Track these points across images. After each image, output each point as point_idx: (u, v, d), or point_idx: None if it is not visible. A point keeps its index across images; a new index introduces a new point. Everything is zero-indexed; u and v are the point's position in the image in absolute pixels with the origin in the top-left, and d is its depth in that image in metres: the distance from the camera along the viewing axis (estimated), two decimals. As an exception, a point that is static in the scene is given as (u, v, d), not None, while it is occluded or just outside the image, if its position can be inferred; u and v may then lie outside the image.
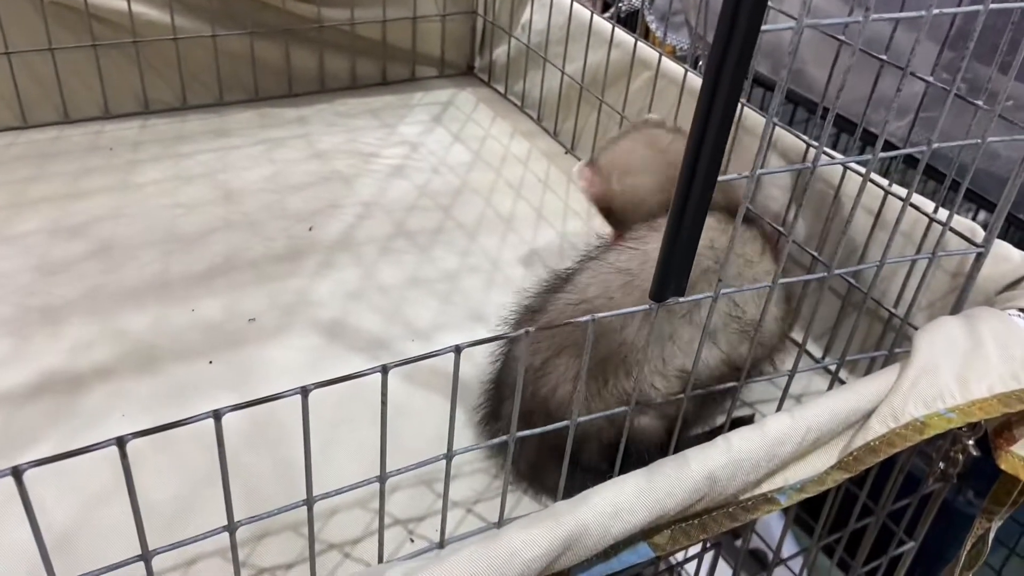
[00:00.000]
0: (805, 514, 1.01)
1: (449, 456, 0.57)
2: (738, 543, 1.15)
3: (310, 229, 1.02)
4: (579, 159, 1.24)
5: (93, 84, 1.19)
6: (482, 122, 1.34)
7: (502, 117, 1.35)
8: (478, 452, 0.72)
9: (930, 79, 0.74)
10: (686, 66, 1.03)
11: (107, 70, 1.19)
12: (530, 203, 1.13)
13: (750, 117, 0.95)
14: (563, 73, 1.24)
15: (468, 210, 1.10)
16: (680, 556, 0.96)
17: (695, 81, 1.02)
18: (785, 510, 0.61)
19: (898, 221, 0.67)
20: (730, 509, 0.56)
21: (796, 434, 0.56)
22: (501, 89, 1.43)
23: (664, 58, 1.07)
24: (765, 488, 0.57)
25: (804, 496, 0.58)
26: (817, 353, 0.87)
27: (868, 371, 0.82)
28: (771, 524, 1.37)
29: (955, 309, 0.75)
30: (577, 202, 1.14)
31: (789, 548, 1.03)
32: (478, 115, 1.36)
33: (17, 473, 0.42)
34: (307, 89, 1.35)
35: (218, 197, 1.07)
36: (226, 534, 0.52)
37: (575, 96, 1.23)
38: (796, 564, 1.06)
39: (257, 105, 1.30)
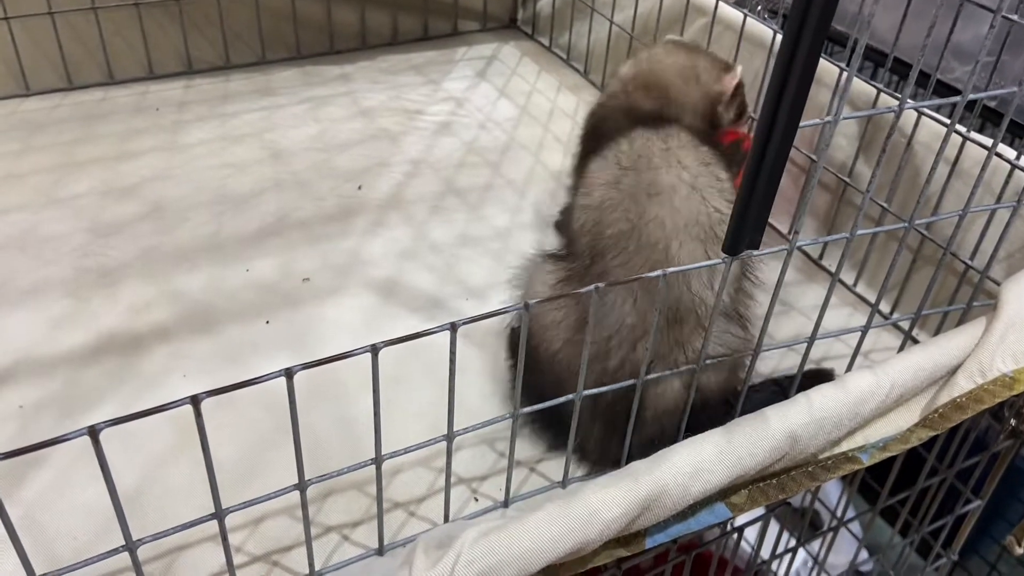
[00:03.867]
0: (865, 475, 0.99)
1: (515, 415, 0.56)
2: (792, 503, 1.14)
3: (359, 188, 1.01)
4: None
5: (137, 44, 1.18)
6: (527, 76, 1.31)
7: (547, 71, 1.32)
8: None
9: (1015, 17, 0.70)
10: (744, 11, 0.99)
11: (150, 30, 1.18)
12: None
13: (813, 64, 0.91)
14: (611, 23, 1.21)
15: (517, 166, 1.08)
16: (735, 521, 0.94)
17: (754, 26, 0.98)
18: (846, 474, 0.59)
19: (983, 169, 0.63)
20: (810, 468, 0.54)
21: (880, 391, 0.54)
22: (546, 42, 1.39)
23: (721, 3, 1.03)
24: (845, 447, 0.55)
25: (887, 455, 0.56)
26: (884, 309, 0.84)
27: (939, 326, 0.79)
28: (826, 486, 1.35)
29: (1037, 261, 0.71)
30: (628, 157, 1.11)
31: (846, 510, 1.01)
32: (523, 69, 1.33)
33: (94, 432, 0.41)
34: (349, 46, 1.33)
35: (266, 157, 1.06)
36: (293, 492, 0.51)
37: (624, 47, 1.19)
38: (853, 526, 1.05)
39: (300, 63, 1.29)
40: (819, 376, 0.65)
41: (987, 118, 1.10)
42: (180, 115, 1.14)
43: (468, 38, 1.41)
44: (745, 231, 0.55)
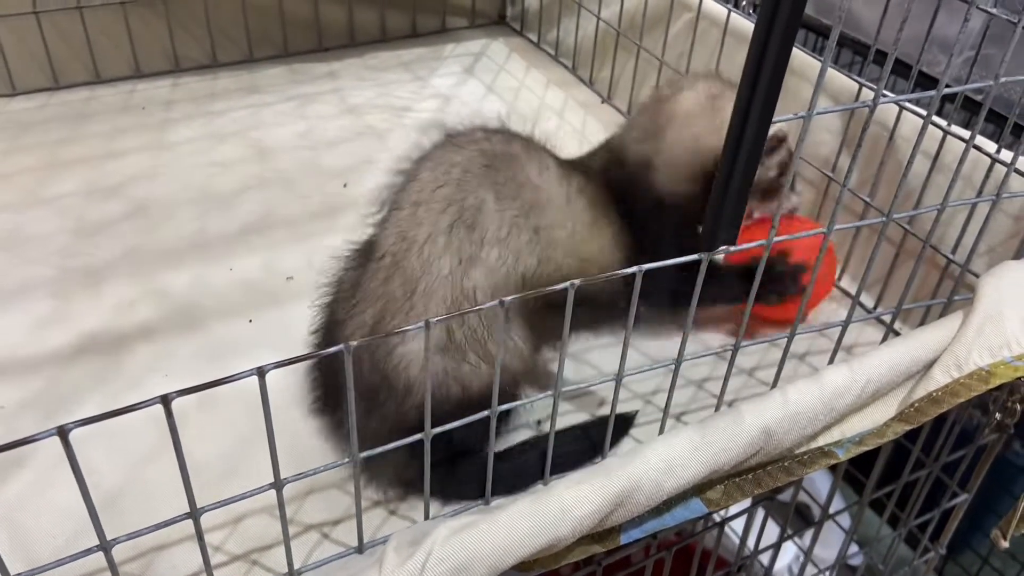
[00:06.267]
0: (853, 468, 0.99)
1: (494, 412, 0.56)
2: (780, 498, 1.14)
3: (345, 186, 1.01)
4: (616, 108, 1.20)
5: (123, 43, 1.18)
6: (515, 73, 1.30)
7: (536, 67, 1.32)
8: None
9: (995, 11, 0.70)
10: (729, 6, 0.99)
11: (136, 28, 1.18)
12: (567, 154, 1.10)
13: (796, 57, 0.91)
14: (598, 19, 1.20)
15: (504, 163, 1.07)
16: (722, 513, 0.94)
17: (738, 22, 0.98)
18: (833, 466, 0.59)
19: (961, 162, 0.63)
20: (785, 463, 0.54)
21: (855, 386, 0.54)
22: (534, 38, 1.39)
23: (705, -1, 1.03)
24: (822, 442, 0.55)
25: (863, 449, 0.56)
26: (868, 303, 0.84)
27: (922, 320, 0.79)
28: (815, 478, 1.35)
29: (1018, 254, 0.71)
30: (615, 152, 1.11)
31: (834, 503, 1.01)
32: (511, 66, 1.33)
33: (63, 432, 0.41)
34: (337, 43, 1.33)
35: (252, 155, 1.06)
36: (273, 491, 0.51)
37: (611, 43, 1.19)
38: (842, 519, 1.05)
39: (287, 61, 1.29)
40: (621, 419, 0.64)
41: (973, 112, 1.10)
42: (167, 114, 1.13)
43: (456, 35, 1.41)
44: (721, 227, 0.55)
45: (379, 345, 0.61)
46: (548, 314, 0.63)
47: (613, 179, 0.72)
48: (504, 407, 0.54)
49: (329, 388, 0.68)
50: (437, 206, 0.63)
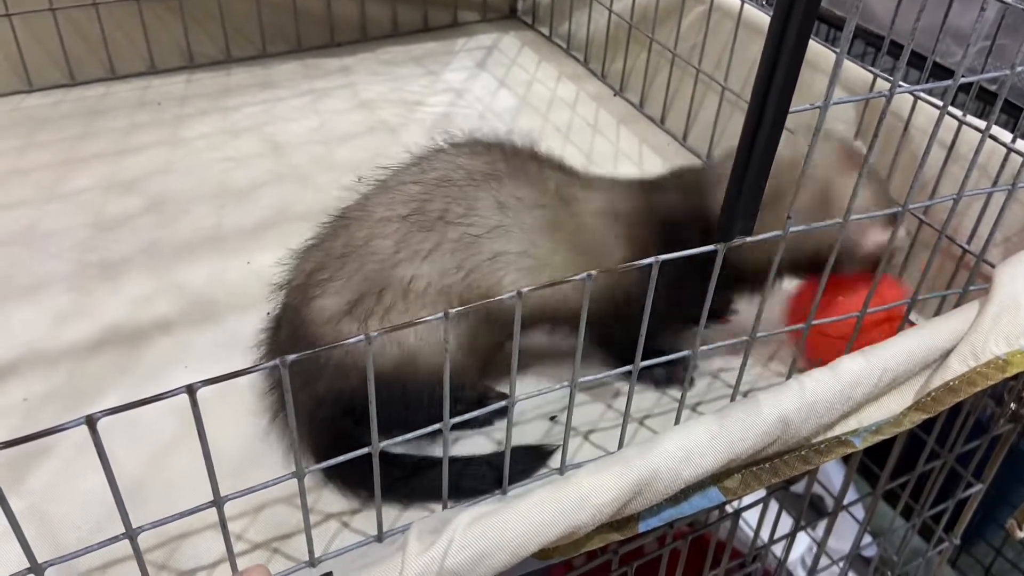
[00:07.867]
0: (867, 459, 0.99)
1: (512, 401, 0.57)
2: (794, 489, 1.14)
3: (359, 180, 1.01)
4: (628, 101, 1.21)
5: (138, 39, 1.19)
6: (527, 66, 1.31)
7: (547, 60, 1.32)
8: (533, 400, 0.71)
9: (1010, 1, 0.70)
10: (742, -2, 0.99)
11: (151, 24, 1.18)
12: (579, 147, 1.10)
13: (810, 48, 0.91)
14: (610, 11, 1.21)
15: (517, 156, 1.08)
16: (736, 504, 0.94)
17: (751, 13, 0.98)
18: (847, 457, 0.59)
19: (976, 152, 0.63)
20: (802, 452, 0.55)
21: (871, 375, 0.54)
22: (546, 31, 1.39)
23: (718, -9, 1.03)
24: (839, 431, 0.55)
25: (880, 438, 0.56)
26: (883, 294, 0.84)
27: (938, 310, 0.79)
28: (828, 469, 1.35)
29: (1034, 244, 0.71)
30: (628, 145, 1.11)
31: (848, 494, 1.01)
32: (523, 59, 1.33)
33: (91, 422, 0.42)
34: (349, 38, 1.34)
35: (266, 150, 1.06)
36: (293, 481, 0.52)
37: (623, 36, 1.19)
38: (855, 510, 1.05)
39: (300, 56, 1.29)
40: (535, 451, 0.65)
41: (988, 102, 1.09)
42: (181, 109, 1.14)
43: (468, 28, 1.42)
44: (737, 217, 0.55)
45: (300, 298, 0.65)
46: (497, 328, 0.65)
47: (665, 209, 0.70)
48: (457, 419, 0.54)
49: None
50: (404, 197, 0.68)
